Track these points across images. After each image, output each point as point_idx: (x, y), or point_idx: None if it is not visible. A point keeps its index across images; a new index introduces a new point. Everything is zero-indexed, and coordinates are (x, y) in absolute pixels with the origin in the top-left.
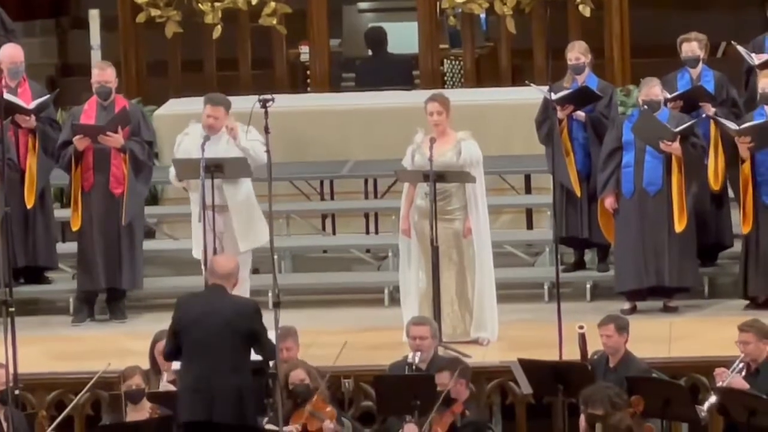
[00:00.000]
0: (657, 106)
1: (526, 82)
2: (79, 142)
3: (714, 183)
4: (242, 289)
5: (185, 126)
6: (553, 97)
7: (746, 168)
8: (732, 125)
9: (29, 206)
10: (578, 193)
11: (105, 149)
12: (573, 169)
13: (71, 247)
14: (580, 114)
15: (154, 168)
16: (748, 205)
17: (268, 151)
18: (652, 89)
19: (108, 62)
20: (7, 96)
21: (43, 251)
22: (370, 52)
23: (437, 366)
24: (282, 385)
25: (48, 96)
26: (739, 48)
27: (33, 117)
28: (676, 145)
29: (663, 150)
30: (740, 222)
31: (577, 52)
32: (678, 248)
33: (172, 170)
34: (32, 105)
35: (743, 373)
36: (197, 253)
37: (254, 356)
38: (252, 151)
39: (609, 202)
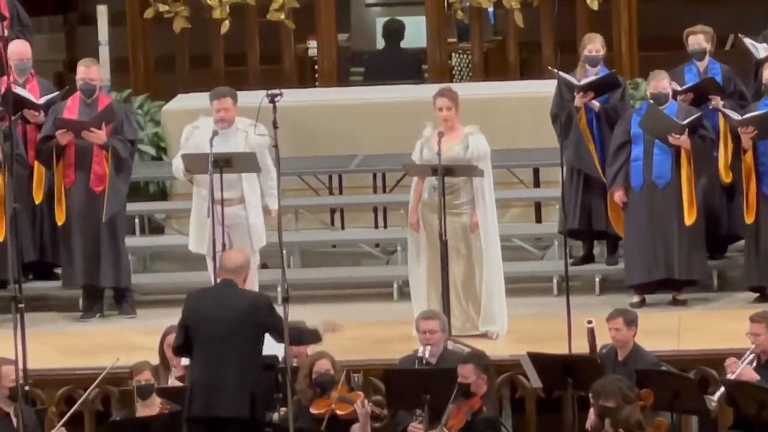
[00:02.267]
0: (665, 99)
1: (549, 68)
2: (62, 137)
3: (725, 176)
4: (251, 286)
5: (193, 121)
6: (580, 83)
7: (748, 158)
8: (735, 115)
9: (37, 202)
10: (604, 179)
11: (87, 146)
12: (596, 155)
13: None
14: (595, 103)
15: (162, 163)
16: (752, 195)
17: (276, 146)
18: (660, 82)
19: (93, 60)
20: (17, 90)
21: (51, 247)
22: (383, 44)
23: (448, 360)
24: (305, 374)
25: (57, 93)
26: (746, 40)
27: (42, 113)
28: (685, 137)
29: (672, 143)
30: (744, 212)
31: (598, 45)
32: (687, 241)
33: (175, 162)
34: (42, 100)
35: (754, 365)
36: (195, 247)
37: (265, 351)
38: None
39: (618, 195)
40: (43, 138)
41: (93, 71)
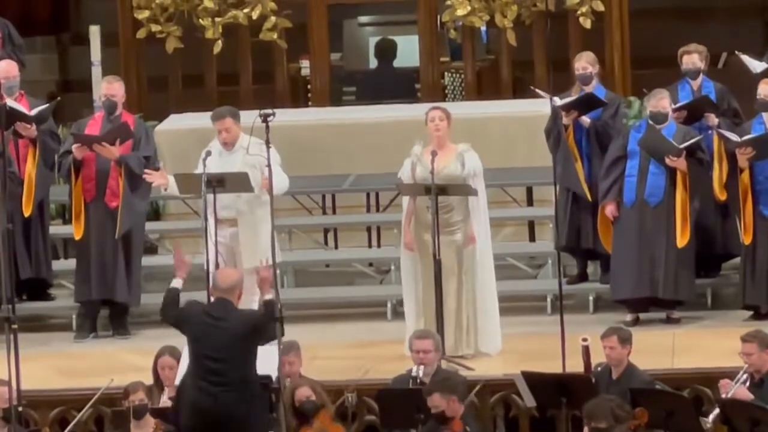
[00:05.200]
0: (664, 119)
1: (531, 87)
2: (78, 151)
3: (720, 194)
4: (252, 306)
5: (186, 141)
6: (558, 102)
7: (745, 177)
8: (733, 137)
9: (26, 215)
10: (589, 197)
11: (107, 162)
12: (582, 174)
13: (73, 263)
14: (585, 119)
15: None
16: (748, 215)
17: (269, 166)
18: (661, 101)
19: (117, 77)
20: (8, 102)
21: (45, 264)
22: (376, 63)
23: (431, 386)
24: (288, 404)
25: (48, 105)
26: (743, 57)
27: (34, 126)
28: (682, 160)
29: (668, 165)
30: (741, 233)
31: (584, 62)
32: (675, 261)
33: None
34: (33, 112)
35: (747, 384)
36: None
37: (259, 371)
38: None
39: (610, 209)
40: (64, 152)
41: (115, 87)
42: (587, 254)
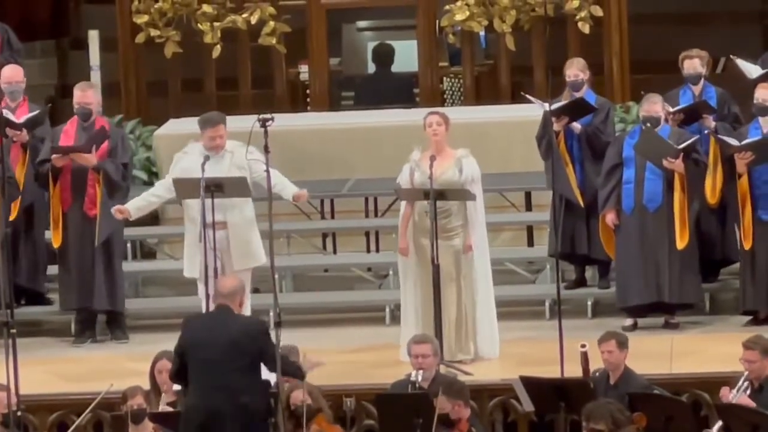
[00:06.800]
0: (656, 123)
1: (522, 93)
2: (57, 160)
3: (711, 197)
4: (243, 309)
5: (185, 145)
6: (549, 107)
7: (744, 183)
8: (733, 141)
9: (11, 218)
10: (581, 203)
11: (83, 170)
12: (574, 179)
13: None
14: (576, 125)
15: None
16: (747, 220)
17: (267, 171)
18: (653, 106)
19: (90, 83)
20: None
21: (31, 273)
22: (374, 68)
23: (435, 388)
24: (284, 406)
25: (38, 111)
26: (738, 61)
27: (24, 131)
28: (679, 162)
29: (665, 167)
30: (741, 238)
31: (575, 69)
32: (679, 265)
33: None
34: (22, 119)
35: (748, 392)
36: (188, 272)
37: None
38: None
39: (610, 218)
40: (40, 161)
41: (89, 95)
42: (584, 260)
